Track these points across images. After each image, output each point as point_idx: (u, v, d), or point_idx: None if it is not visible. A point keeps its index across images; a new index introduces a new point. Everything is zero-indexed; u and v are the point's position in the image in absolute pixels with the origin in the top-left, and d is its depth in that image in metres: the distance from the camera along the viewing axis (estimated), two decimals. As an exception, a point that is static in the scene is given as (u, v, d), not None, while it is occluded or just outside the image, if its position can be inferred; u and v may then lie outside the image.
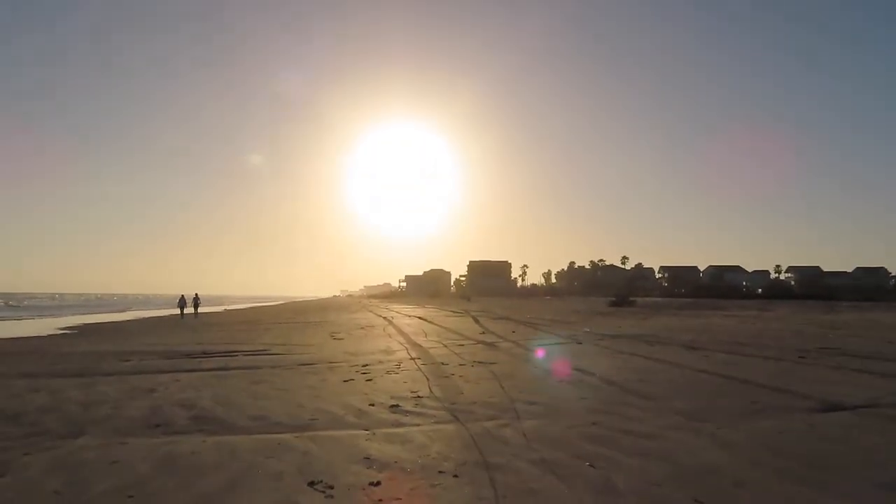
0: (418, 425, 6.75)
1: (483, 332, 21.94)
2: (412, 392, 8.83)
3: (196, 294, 41.36)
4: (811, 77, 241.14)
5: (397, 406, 7.77)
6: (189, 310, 40.35)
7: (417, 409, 7.59)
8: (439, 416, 7.17)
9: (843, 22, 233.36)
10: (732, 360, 12.37)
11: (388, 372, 11.10)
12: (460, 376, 10.45)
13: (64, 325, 32.75)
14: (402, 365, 12.17)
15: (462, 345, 16.82)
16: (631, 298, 70.46)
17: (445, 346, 16.51)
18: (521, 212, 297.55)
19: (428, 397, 8.41)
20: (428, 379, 10.12)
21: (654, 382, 9.48)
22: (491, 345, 16.86)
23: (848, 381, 9.62)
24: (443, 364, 12.22)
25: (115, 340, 20.30)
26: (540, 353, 14.36)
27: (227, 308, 68.81)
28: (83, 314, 49.82)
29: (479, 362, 12.46)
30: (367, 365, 12.12)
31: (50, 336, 24.88)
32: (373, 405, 7.88)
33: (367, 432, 6.45)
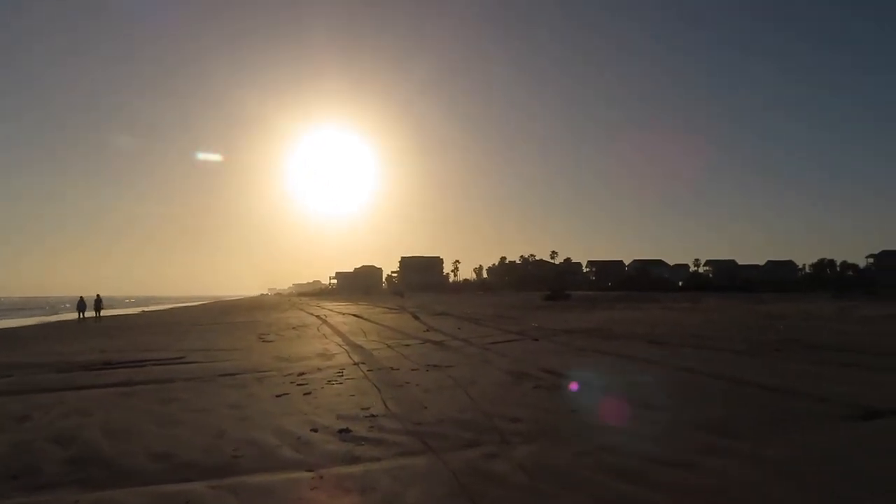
0: (379, 460, 5.12)
1: (427, 330, 20.38)
2: (363, 409, 7.17)
3: (98, 295, 37.65)
4: (720, 75, 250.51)
5: (347, 431, 6.10)
6: (91, 313, 36.70)
7: (374, 434, 5.95)
8: (404, 444, 5.56)
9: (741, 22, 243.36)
10: (707, 356, 11.28)
11: (329, 381, 9.38)
12: (417, 385, 8.85)
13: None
14: (345, 372, 10.46)
15: (408, 345, 15.20)
16: (566, 292, 70.62)
17: (390, 346, 14.86)
18: (451, 208, 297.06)
19: (384, 415, 6.77)
20: (379, 390, 8.47)
21: (645, 386, 8.15)
22: (440, 344, 15.32)
23: (854, 379, 8.59)
24: (392, 369, 10.59)
25: (2, 350, 17.59)
26: (497, 354, 12.91)
27: (146, 310, 64.58)
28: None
29: (434, 366, 10.89)
30: (303, 374, 10.34)
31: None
32: (315, 430, 6.19)
33: (310, 475, 4.78)
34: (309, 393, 8.42)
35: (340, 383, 9.25)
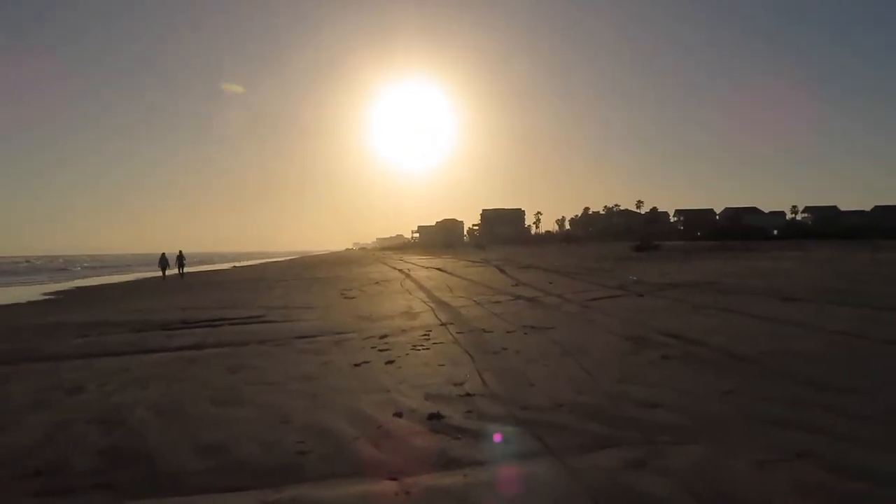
0: (482, 464, 3.84)
1: (516, 285, 19.01)
2: (456, 384, 5.92)
3: (180, 251, 36.79)
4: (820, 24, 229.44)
5: (439, 417, 4.86)
6: (173, 270, 36.11)
7: (472, 423, 4.68)
8: (513, 441, 4.26)
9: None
10: (867, 316, 9.36)
11: (414, 347, 8.20)
12: (516, 352, 7.53)
13: (51, 290, 30.13)
14: (431, 334, 9.28)
15: (498, 301, 13.91)
16: (655, 242, 67.29)
17: (478, 303, 13.62)
18: (531, 159, 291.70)
19: (482, 395, 5.50)
20: (472, 358, 7.21)
21: (804, 357, 6.49)
22: (533, 300, 13.94)
23: None
24: (485, 331, 9.32)
25: (91, 308, 17.56)
26: (602, 313, 11.41)
27: (236, 265, 66.37)
28: (74, 278, 47.09)
29: (532, 327, 9.54)
30: (385, 336, 9.23)
31: (25, 304, 22.23)
32: (399, 415, 4.98)
33: (394, 486, 3.56)
34: (392, 361, 7.26)
35: (427, 349, 8.06)
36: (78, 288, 32.40)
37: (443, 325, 10.32)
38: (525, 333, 8.99)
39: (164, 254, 36.01)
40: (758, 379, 5.63)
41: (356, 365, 7.15)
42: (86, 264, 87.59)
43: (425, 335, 9.19)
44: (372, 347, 8.30)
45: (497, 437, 4.32)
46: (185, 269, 37.02)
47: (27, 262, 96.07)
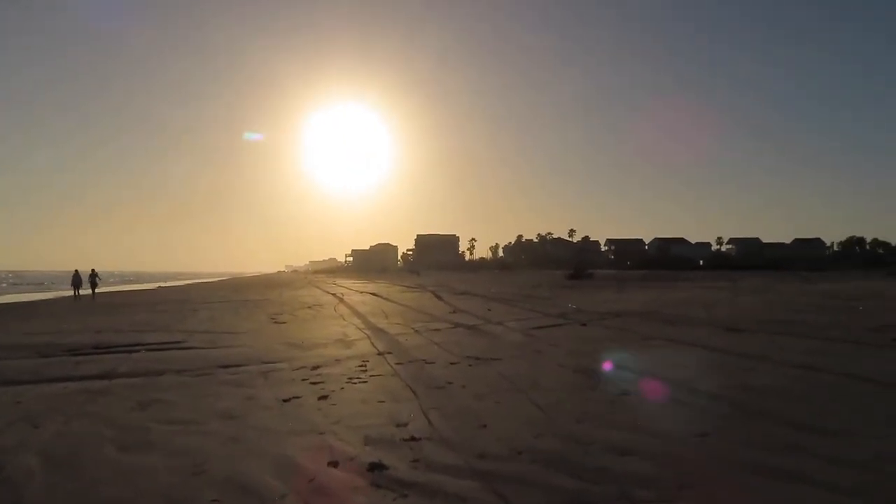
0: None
1: (454, 312, 18.46)
2: (398, 425, 5.26)
3: (93, 270, 33.83)
4: (744, 50, 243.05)
5: (381, 467, 4.19)
6: (86, 290, 33.16)
7: (420, 475, 4.04)
8: (470, 499, 3.64)
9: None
10: (815, 348, 9.23)
11: (350, 380, 7.49)
12: (462, 386, 6.93)
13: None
14: (368, 365, 8.58)
15: (437, 329, 13.31)
16: (588, 271, 68.26)
17: (417, 331, 12.97)
18: (466, 185, 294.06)
19: (430, 438, 4.86)
20: (415, 393, 6.56)
21: (773, 393, 6.14)
22: (473, 329, 13.41)
23: None
24: (426, 363, 8.68)
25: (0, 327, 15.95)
26: (547, 342, 10.98)
27: (162, 285, 63.38)
28: None
29: (476, 358, 8.98)
30: (318, 368, 8.46)
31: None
32: (335, 464, 4.29)
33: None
34: (325, 396, 6.53)
35: (364, 381, 7.37)
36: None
37: (380, 354, 9.63)
38: (470, 365, 8.42)
39: (76, 271, 33.21)
40: (732, 419, 5.21)
41: (285, 400, 6.38)
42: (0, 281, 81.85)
43: (362, 366, 8.49)
44: (303, 380, 7.53)
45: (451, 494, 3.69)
46: (98, 289, 34.08)
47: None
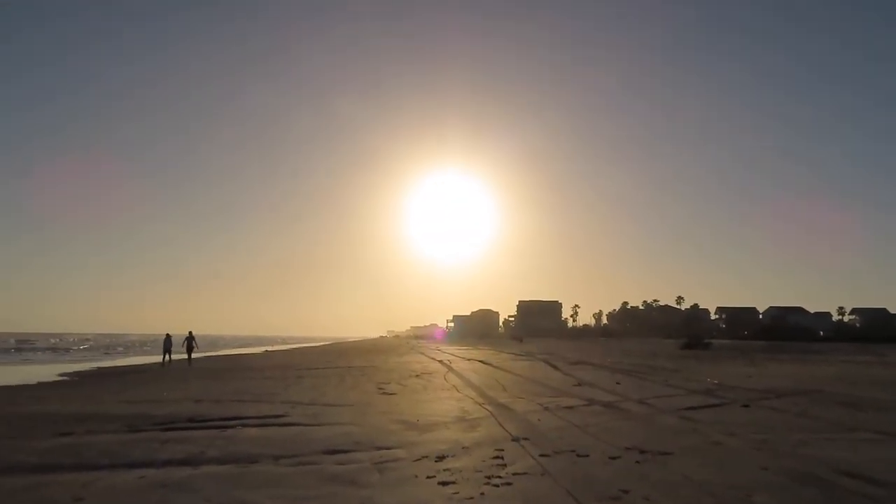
0: None
1: (578, 385, 16.37)
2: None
3: (190, 333, 31.28)
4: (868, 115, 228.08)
5: None
6: (182, 355, 30.97)
7: None
8: None
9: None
10: None
11: (489, 480, 5.72)
12: (645, 498, 5.03)
13: (65, 371, 28.11)
14: (505, 456, 6.79)
15: (570, 407, 11.33)
16: (706, 340, 63.32)
17: (546, 408, 11.07)
18: (568, 251, 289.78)
19: None
20: (587, 510, 4.73)
21: None
22: (611, 406, 11.37)
23: None
24: (579, 456, 6.80)
25: (93, 394, 15.41)
26: (717, 429, 8.79)
27: (269, 349, 64.35)
28: (93, 359, 44.36)
29: (640, 451, 7.00)
30: (443, 458, 6.77)
31: (32, 385, 20.24)
32: None
33: None
34: (462, 508, 4.81)
35: (508, 482, 5.59)
36: (98, 369, 30.51)
37: (515, 440, 7.82)
38: (637, 462, 6.47)
39: (168, 335, 30.52)
40: None
41: (410, 512, 4.72)
42: (89, 343, 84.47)
43: (497, 458, 6.71)
44: (429, 477, 5.84)
45: None
46: (207, 353, 32.78)
47: (28, 342, 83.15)
